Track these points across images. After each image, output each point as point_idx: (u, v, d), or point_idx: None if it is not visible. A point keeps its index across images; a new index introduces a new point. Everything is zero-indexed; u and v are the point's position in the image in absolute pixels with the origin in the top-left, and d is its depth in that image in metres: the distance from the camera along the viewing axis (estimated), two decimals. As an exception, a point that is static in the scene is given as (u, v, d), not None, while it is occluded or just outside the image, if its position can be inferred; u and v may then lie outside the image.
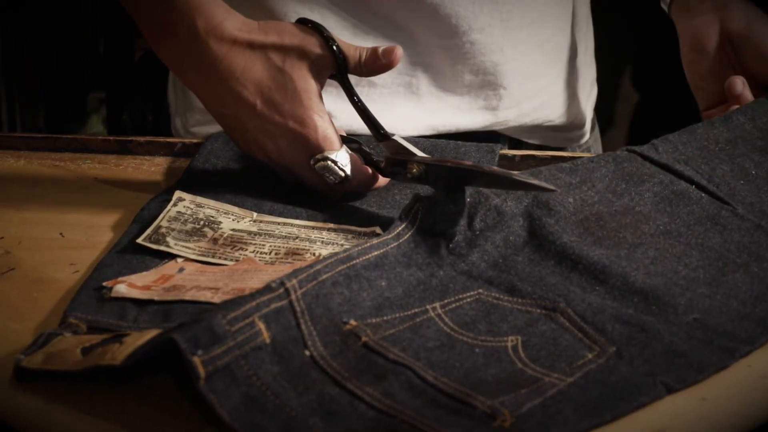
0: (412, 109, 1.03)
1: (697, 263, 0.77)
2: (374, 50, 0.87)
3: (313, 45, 0.86)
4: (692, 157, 0.88)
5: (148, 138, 1.03)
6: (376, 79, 0.99)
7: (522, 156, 1.01)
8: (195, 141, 1.02)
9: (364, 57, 0.87)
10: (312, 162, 0.87)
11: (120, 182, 0.96)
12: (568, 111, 1.09)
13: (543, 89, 1.06)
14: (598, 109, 1.19)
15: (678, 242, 0.79)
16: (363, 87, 1.01)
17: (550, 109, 1.07)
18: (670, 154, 0.88)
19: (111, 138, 1.04)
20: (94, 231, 0.86)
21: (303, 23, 0.87)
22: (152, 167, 1.00)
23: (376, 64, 0.88)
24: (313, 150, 0.86)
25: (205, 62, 0.86)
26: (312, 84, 0.87)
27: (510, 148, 1.07)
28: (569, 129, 1.10)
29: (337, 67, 0.87)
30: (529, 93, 1.05)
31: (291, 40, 0.86)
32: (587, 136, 1.15)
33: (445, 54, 1.01)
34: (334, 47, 0.86)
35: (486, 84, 1.03)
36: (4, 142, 1.04)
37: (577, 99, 1.11)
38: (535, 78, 1.05)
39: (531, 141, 1.09)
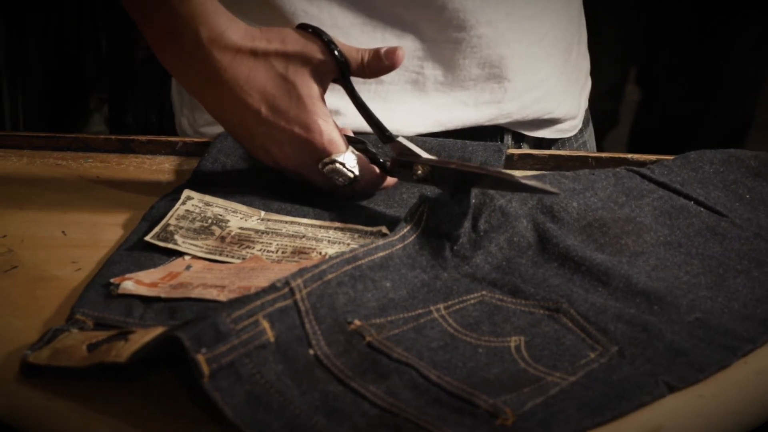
0: (420, 105, 1.03)
1: (698, 270, 0.77)
2: (376, 52, 0.88)
3: (315, 51, 0.87)
4: (687, 180, 0.89)
5: (150, 137, 1.03)
6: (384, 76, 1.00)
7: (520, 155, 1.01)
8: (196, 140, 1.03)
9: (366, 59, 0.88)
10: (320, 166, 0.87)
11: (121, 181, 0.96)
12: (565, 102, 1.10)
13: (543, 81, 1.07)
14: (598, 108, 1.20)
15: (679, 252, 0.79)
16: (371, 84, 1.01)
17: (549, 101, 1.08)
18: (666, 176, 0.89)
19: (113, 137, 1.04)
20: (96, 229, 0.86)
21: (304, 28, 0.88)
22: (154, 166, 1.00)
23: (378, 66, 0.88)
24: (320, 154, 0.87)
25: (208, 71, 0.87)
26: (315, 89, 0.87)
27: (513, 141, 1.08)
28: (566, 120, 1.12)
29: (339, 71, 0.87)
30: (530, 85, 1.06)
31: (293, 47, 0.87)
32: (582, 128, 1.16)
33: (452, 48, 1.02)
34: (336, 52, 0.87)
35: (492, 77, 1.04)
36: (6, 140, 1.04)
37: (573, 90, 1.12)
38: (536, 70, 1.06)
39: (531, 134, 1.09)
